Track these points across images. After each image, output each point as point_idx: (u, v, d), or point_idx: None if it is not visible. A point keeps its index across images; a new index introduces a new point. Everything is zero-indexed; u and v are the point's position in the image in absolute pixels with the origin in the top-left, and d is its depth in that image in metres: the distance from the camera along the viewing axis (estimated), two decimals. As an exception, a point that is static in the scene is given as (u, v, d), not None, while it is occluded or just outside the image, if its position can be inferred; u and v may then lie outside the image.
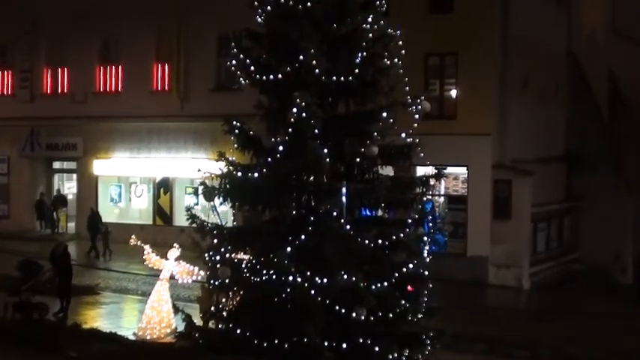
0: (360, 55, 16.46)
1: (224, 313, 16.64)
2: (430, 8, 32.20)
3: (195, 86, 35.96)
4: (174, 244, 21.29)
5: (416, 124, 16.71)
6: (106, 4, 37.29)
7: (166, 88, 36.97)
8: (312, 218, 15.97)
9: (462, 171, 32.17)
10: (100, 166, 38.34)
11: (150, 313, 21.40)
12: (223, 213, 17.44)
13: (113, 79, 38.56)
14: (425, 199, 17.84)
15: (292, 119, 15.61)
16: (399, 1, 28.79)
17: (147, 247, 21.15)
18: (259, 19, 17.05)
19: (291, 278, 15.61)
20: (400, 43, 17.03)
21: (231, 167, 16.56)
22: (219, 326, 16.76)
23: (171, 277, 21.34)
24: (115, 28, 37.34)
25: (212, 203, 16.77)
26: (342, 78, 16.26)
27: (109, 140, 38.01)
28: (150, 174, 37.42)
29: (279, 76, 16.41)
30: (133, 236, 21.52)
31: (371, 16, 16.74)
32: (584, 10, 39.77)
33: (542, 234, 34.89)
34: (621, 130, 40.43)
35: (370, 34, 16.79)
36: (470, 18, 31.36)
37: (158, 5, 35.99)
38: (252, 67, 16.81)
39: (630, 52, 45.54)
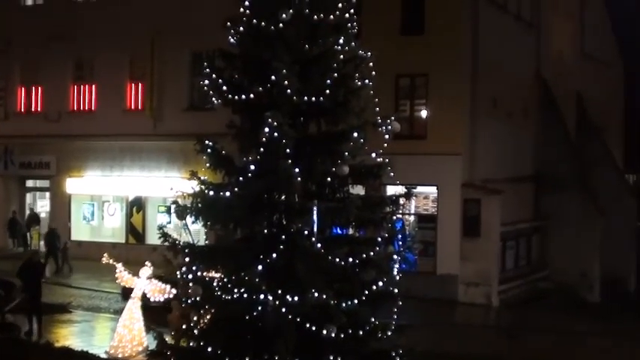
0: (331, 75, 16.49)
1: (195, 331, 16.56)
2: (401, 30, 32.37)
3: (169, 105, 35.92)
4: (146, 263, 21.20)
5: (386, 144, 16.75)
6: (80, 23, 37.22)
7: (140, 107, 36.91)
8: (283, 237, 15.94)
9: (431, 190, 32.28)
10: (72, 185, 38.15)
11: (122, 331, 21.27)
12: (195, 231, 17.38)
13: (87, 98, 38.44)
14: (395, 217, 17.84)
15: (264, 139, 15.61)
16: (370, 23, 28.98)
17: (119, 266, 21.05)
18: (232, 40, 17.07)
19: (262, 296, 15.57)
20: (371, 64, 17.09)
21: (203, 186, 16.53)
22: (191, 344, 16.67)
23: (143, 296, 21.23)
24: (89, 48, 37.26)
25: (184, 222, 16.71)
26: (314, 98, 16.28)
27: (82, 159, 37.84)
28: (123, 192, 37.27)
29: (252, 96, 16.42)
30: (106, 254, 21.42)
31: (342, 37, 16.80)
32: (553, 33, 40.17)
33: (511, 252, 35.07)
34: (589, 150, 40.82)
35: (342, 56, 16.85)
36: (440, 40, 31.56)
37: (132, 25, 35.96)
38: (225, 87, 16.79)
39: (598, 75, 46.08)
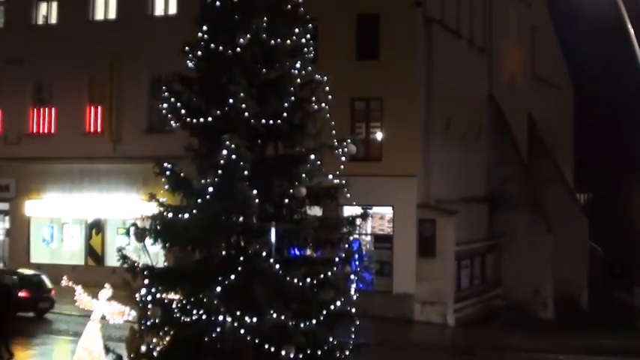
0: (288, 99, 16.52)
1: (154, 353, 16.40)
2: (357, 55, 32.50)
3: (128, 128, 35.69)
4: (106, 285, 20.95)
5: (343, 166, 16.79)
6: (39, 47, 36.92)
7: (99, 130, 36.62)
8: (241, 258, 15.87)
9: (387, 211, 32.33)
10: (32, 207, 37.71)
11: (81, 353, 20.95)
12: (154, 253, 17.24)
13: (46, 120, 38.07)
14: (352, 238, 17.84)
15: (222, 161, 15.58)
16: (327, 48, 29.10)
17: (78, 288, 20.77)
18: (190, 64, 17.04)
19: (220, 318, 15.49)
20: (327, 88, 17.13)
21: (161, 208, 16.44)
22: (150, 366, 16.51)
23: (103, 318, 20.97)
24: (49, 71, 36.96)
25: (143, 244, 16.58)
26: (271, 121, 16.29)
27: (42, 181, 37.42)
28: (82, 215, 36.90)
29: (209, 119, 16.39)
30: (65, 277, 21.13)
31: (299, 61, 16.85)
32: (504, 57, 40.57)
33: (465, 271, 35.19)
34: (540, 170, 41.18)
35: (298, 79, 16.89)
36: (394, 65, 31.72)
37: (91, 49, 35.73)
38: (183, 110, 16.76)
39: (548, 97, 46.59)
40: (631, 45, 35.43)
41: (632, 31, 35.01)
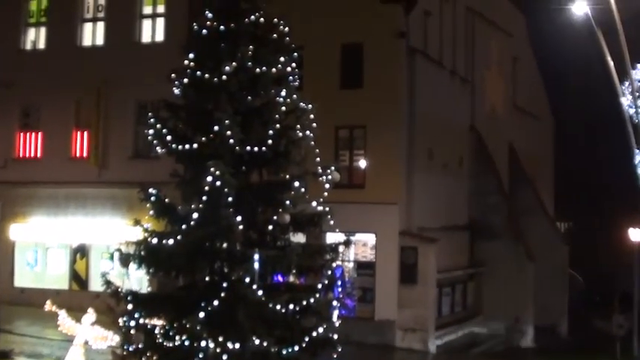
0: (273, 126, 16.56)
1: (137, 378, 16.29)
2: (341, 84, 32.57)
3: (114, 154, 35.57)
4: (89, 309, 20.79)
5: (326, 193, 16.82)
6: (27, 71, 36.82)
7: (85, 155, 36.48)
8: (224, 284, 15.83)
9: (370, 238, 32.28)
10: (17, 231, 37.44)
11: (64, 378, 20.78)
12: (138, 278, 17.17)
13: (33, 145, 37.90)
14: (335, 265, 17.83)
15: (207, 188, 15.58)
16: (311, 76, 29.18)
17: (62, 313, 20.61)
18: (176, 91, 17.06)
19: (203, 344, 15.41)
20: (312, 116, 17.18)
21: (146, 234, 16.40)
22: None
23: (86, 343, 20.80)
24: (36, 96, 36.83)
25: (127, 269, 16.52)
26: (256, 148, 16.32)
27: (27, 205, 37.18)
28: (67, 239, 36.68)
29: (195, 145, 16.41)
30: (49, 301, 20.96)
31: (284, 89, 16.91)
32: (486, 88, 40.76)
33: (447, 299, 35.13)
34: (521, 199, 41.26)
35: (283, 107, 16.94)
36: (378, 94, 31.80)
37: (78, 74, 35.67)
38: (169, 137, 16.78)
39: (529, 127, 46.78)
40: (610, 77, 35.70)
41: (611, 63, 35.28)
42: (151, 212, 16.71)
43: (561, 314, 40.77)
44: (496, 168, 39.29)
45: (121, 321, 16.13)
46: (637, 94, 35.24)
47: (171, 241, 16.10)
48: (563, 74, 56.60)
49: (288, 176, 16.69)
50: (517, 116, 45.15)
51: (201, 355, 15.50)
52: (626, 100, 35.79)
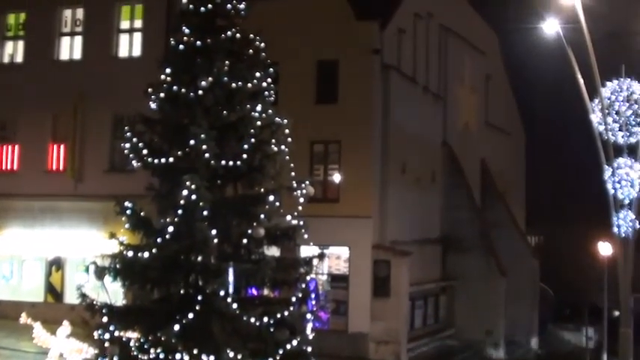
0: (248, 141, 16.54)
1: (112, 391, 16.17)
2: (316, 99, 32.65)
3: (90, 167, 35.35)
4: (64, 322, 20.64)
5: (301, 207, 16.81)
6: (4, 84, 36.59)
7: (61, 168, 36.26)
8: (199, 297, 15.76)
9: (344, 251, 32.29)
10: (-8, 243, 37.13)
11: (38, 390, 20.60)
12: (114, 291, 17.05)
13: (9, 157, 37.62)
14: (309, 278, 17.80)
15: (182, 201, 15.54)
16: (286, 91, 29.18)
17: (37, 325, 20.45)
18: (153, 105, 17.02)
19: (178, 356, 15.33)
20: (287, 130, 17.17)
21: (121, 247, 16.33)
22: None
23: (61, 355, 20.63)
24: (13, 109, 36.58)
25: (102, 282, 16.42)
26: (231, 162, 16.29)
27: (3, 218, 36.84)
28: (42, 252, 36.40)
29: (170, 159, 16.37)
30: (24, 314, 20.80)
31: (260, 105, 16.91)
32: (459, 104, 40.98)
33: (419, 311, 35.20)
34: (492, 213, 41.46)
35: (259, 122, 16.93)
36: (352, 109, 31.90)
37: (55, 88, 35.49)
38: (145, 151, 16.73)
39: (501, 143, 47.06)
40: (581, 94, 35.98)
41: (581, 81, 35.58)
42: (127, 225, 16.65)
43: (532, 327, 40.93)
44: (468, 183, 39.45)
45: (96, 334, 16.02)
46: (606, 111, 35.51)
47: (146, 254, 16.04)
48: (534, 91, 57.08)
49: (262, 190, 16.67)
50: (489, 132, 45.41)
51: (175, 368, 15.41)
52: (595, 117, 36.06)
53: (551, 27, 34.33)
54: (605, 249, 36.54)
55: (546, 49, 36.66)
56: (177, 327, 15.37)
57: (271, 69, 17.57)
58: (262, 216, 16.29)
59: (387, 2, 34.18)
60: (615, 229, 35.78)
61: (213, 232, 15.59)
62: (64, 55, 36.67)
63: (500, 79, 48.78)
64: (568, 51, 35.00)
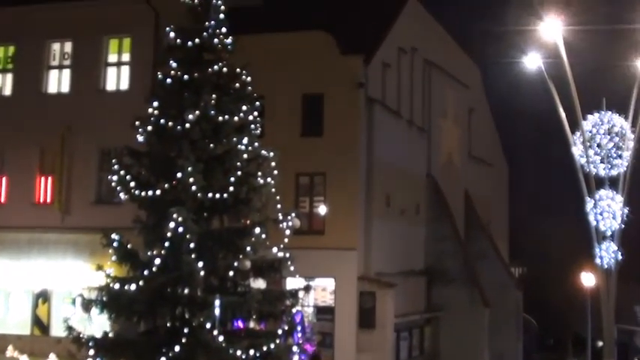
0: (234, 173, 16.56)
1: None
2: (302, 132, 32.67)
3: (77, 199, 35.21)
4: (51, 355, 20.49)
5: (287, 239, 16.78)
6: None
7: (49, 200, 36.11)
8: (185, 330, 15.68)
9: (329, 283, 32.18)
10: (-21, 276, 36.84)
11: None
12: (101, 324, 16.94)
13: (-4, 190, 37.44)
14: (294, 310, 17.74)
15: (169, 234, 15.49)
16: (273, 124, 29.21)
17: (23, 358, 20.29)
18: (140, 138, 17.01)
19: (164, 388, 15.20)
20: (273, 163, 17.19)
21: (108, 279, 16.25)
22: None
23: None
24: (1, 141, 36.47)
25: (89, 314, 16.33)
26: (218, 195, 16.28)
27: (-10, 250, 36.65)
28: (29, 284, 36.14)
29: (158, 192, 16.36)
30: (10, 346, 20.65)
31: (246, 138, 16.95)
32: (442, 136, 41.12)
33: (404, 343, 35.02)
34: (476, 245, 41.47)
35: (245, 155, 16.96)
36: (337, 142, 31.93)
37: (43, 121, 35.41)
38: (132, 183, 16.72)
39: (484, 175, 47.19)
40: (563, 127, 36.18)
41: (563, 114, 35.79)
42: (114, 258, 16.60)
43: (516, 358, 40.81)
44: (452, 214, 39.48)
45: (81, 366, 15.89)
46: (588, 144, 35.69)
47: (133, 287, 15.97)
48: (517, 124, 57.35)
49: (249, 222, 16.66)
50: (472, 164, 45.55)
51: (161, 400, 15.28)
52: (577, 150, 36.22)
53: (533, 61, 34.58)
54: (588, 280, 36.54)
55: (528, 82, 36.93)
56: (163, 359, 15.27)
57: (257, 102, 17.62)
58: (248, 248, 16.27)
59: (372, 37, 34.35)
60: (598, 261, 35.82)
61: (200, 264, 15.55)
62: (52, 88, 36.63)
63: (483, 112, 49.03)
64: (550, 85, 35.24)
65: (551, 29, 32.72)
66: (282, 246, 16.87)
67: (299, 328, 18.56)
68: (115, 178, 16.97)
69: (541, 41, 33.49)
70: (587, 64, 35.81)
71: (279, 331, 16.58)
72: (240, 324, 17.01)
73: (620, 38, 34.00)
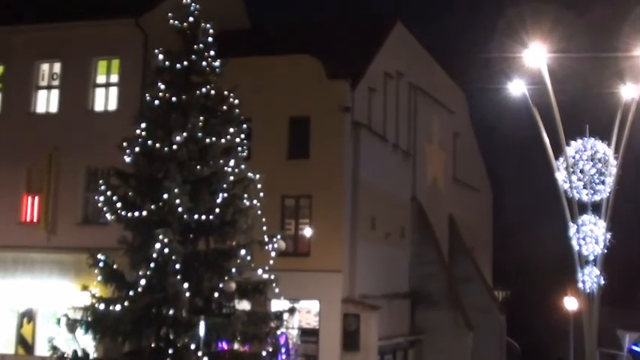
0: (221, 195, 16.57)
1: None
2: (288, 155, 32.70)
3: (63, 219, 35.07)
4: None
5: (272, 261, 16.78)
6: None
7: (35, 219, 35.98)
8: (170, 351, 15.64)
9: (314, 305, 32.11)
10: (-36, 295, 36.59)
11: None
12: (86, 344, 16.85)
13: (-17, 209, 37.27)
14: (279, 332, 17.71)
15: (154, 255, 15.48)
16: (259, 147, 29.28)
17: (6, 377, 20.15)
18: (127, 159, 17.01)
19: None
20: (259, 185, 17.22)
21: (93, 300, 16.19)
22: None
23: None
24: (-13, 161, 36.37)
25: (73, 334, 16.25)
26: (204, 217, 16.29)
27: (-25, 269, 36.43)
28: (13, 303, 35.94)
29: (144, 213, 16.34)
30: (-7, 365, 20.49)
31: (233, 160, 16.98)
32: (427, 160, 41.25)
33: (388, 365, 34.98)
34: (460, 268, 41.52)
35: (231, 177, 16.99)
36: (323, 165, 31.97)
37: (31, 140, 35.34)
38: (119, 204, 16.69)
39: (468, 199, 47.31)
40: (546, 153, 36.34)
41: (547, 140, 35.95)
42: (99, 278, 16.56)
43: (499, 381, 40.82)
44: (436, 238, 39.53)
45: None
46: (571, 169, 35.86)
47: (118, 307, 15.93)
48: (501, 149, 57.61)
49: (234, 244, 16.67)
50: (457, 188, 45.68)
51: (145, 421, 15.20)
52: (560, 175, 36.37)
53: (517, 88, 34.79)
54: (570, 304, 36.54)
55: (513, 108, 37.08)
56: (147, 380, 15.20)
57: (244, 125, 17.67)
58: (234, 270, 16.28)
59: (358, 61, 34.49)
60: (580, 285, 35.90)
61: (185, 285, 15.53)
62: (40, 108, 36.58)
63: (468, 137, 49.23)
64: (534, 111, 35.42)
65: (536, 56, 32.93)
66: (267, 268, 16.87)
67: (283, 350, 18.57)
68: (101, 198, 16.96)
69: (525, 68, 33.69)
70: (570, 90, 36.06)
71: (264, 353, 16.56)
72: (225, 345, 16.95)
73: (602, 66, 34.26)
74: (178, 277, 15.56)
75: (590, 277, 35.78)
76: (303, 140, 32.55)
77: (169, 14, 18.77)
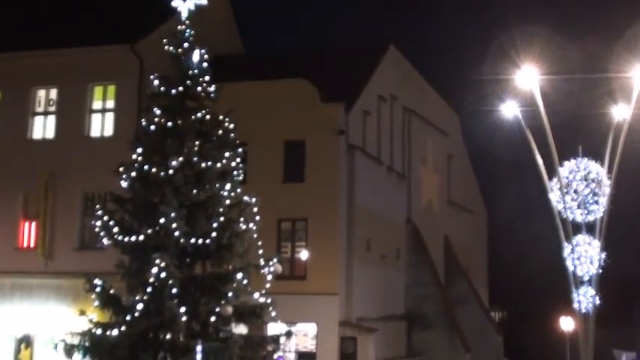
0: (217, 219, 16.56)
1: None
2: (284, 178, 32.73)
3: (60, 244, 35.02)
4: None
5: (269, 285, 16.76)
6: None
7: (32, 245, 35.91)
8: (167, 375, 15.57)
9: (311, 328, 32.02)
10: (-39, 321, 36.44)
11: None
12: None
13: (-20, 235, 37.18)
14: (276, 355, 17.65)
15: (151, 279, 15.45)
16: (255, 170, 29.31)
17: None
18: (124, 184, 17.02)
19: None
20: (255, 209, 17.22)
21: (91, 324, 16.15)
22: None
23: None
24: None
25: (71, 359, 16.20)
26: (200, 241, 16.28)
27: (-28, 295, 36.31)
28: (11, 328, 35.81)
29: (141, 237, 16.33)
30: (-9, 391, 20.39)
31: (228, 184, 16.99)
32: (422, 183, 41.31)
33: (385, 387, 34.82)
34: (456, 289, 41.49)
35: (227, 201, 16.99)
36: (319, 188, 32.00)
37: (28, 166, 35.33)
38: (115, 229, 16.69)
39: (463, 221, 47.33)
40: (540, 174, 36.40)
41: (540, 160, 36.02)
42: (96, 303, 16.52)
43: (496, 402, 40.67)
44: (432, 259, 39.51)
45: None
46: (565, 190, 35.90)
47: (115, 332, 15.88)
48: (495, 170, 57.74)
49: (231, 268, 16.65)
50: (452, 210, 45.71)
51: None
52: (554, 196, 36.41)
53: (510, 109, 34.89)
54: (566, 324, 36.48)
55: (506, 130, 37.16)
56: (144, 405, 15.14)
57: (240, 149, 17.70)
58: (230, 294, 16.24)
59: (352, 85, 34.62)
60: (576, 305, 35.84)
61: (182, 309, 15.49)
62: (37, 134, 36.61)
63: (462, 159, 49.33)
64: (527, 132, 35.51)
65: (528, 78, 33.06)
66: (263, 291, 16.84)
67: (281, 373, 18.49)
68: (98, 223, 16.96)
69: (518, 90, 33.81)
70: (563, 111, 36.17)
71: (261, 377, 16.49)
72: (222, 369, 16.89)
73: (594, 86, 34.41)
74: (175, 301, 15.53)
75: (586, 297, 35.73)
76: (298, 164, 32.59)
77: (164, 40, 18.84)
